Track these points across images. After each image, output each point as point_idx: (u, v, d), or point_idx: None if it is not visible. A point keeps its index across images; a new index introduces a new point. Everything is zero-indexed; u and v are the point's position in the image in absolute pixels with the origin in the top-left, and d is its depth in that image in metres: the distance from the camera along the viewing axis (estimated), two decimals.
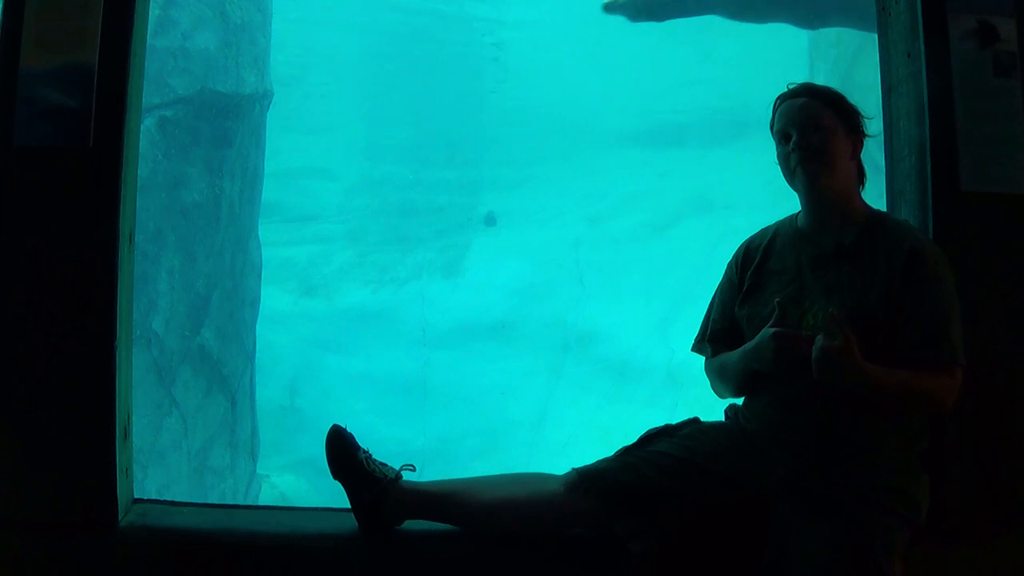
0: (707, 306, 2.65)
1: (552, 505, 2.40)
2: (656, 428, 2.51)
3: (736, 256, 2.60)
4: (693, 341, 2.66)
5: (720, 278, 2.64)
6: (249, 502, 9.14)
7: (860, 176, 2.46)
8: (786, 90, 2.47)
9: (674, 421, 2.52)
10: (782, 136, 2.42)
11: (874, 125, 2.61)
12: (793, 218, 2.53)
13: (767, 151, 2.50)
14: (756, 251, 2.54)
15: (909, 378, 2.22)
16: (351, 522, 2.50)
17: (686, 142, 18.50)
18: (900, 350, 2.25)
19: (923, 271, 2.28)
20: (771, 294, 2.42)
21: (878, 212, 2.46)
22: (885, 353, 2.22)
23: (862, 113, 2.45)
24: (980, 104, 2.57)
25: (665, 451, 2.41)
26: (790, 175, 2.43)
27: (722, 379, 2.53)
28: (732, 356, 2.46)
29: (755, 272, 2.50)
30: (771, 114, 2.48)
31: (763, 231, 2.60)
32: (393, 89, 19.11)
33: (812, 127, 2.37)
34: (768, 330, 2.29)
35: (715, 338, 2.57)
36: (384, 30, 19.12)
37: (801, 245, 2.45)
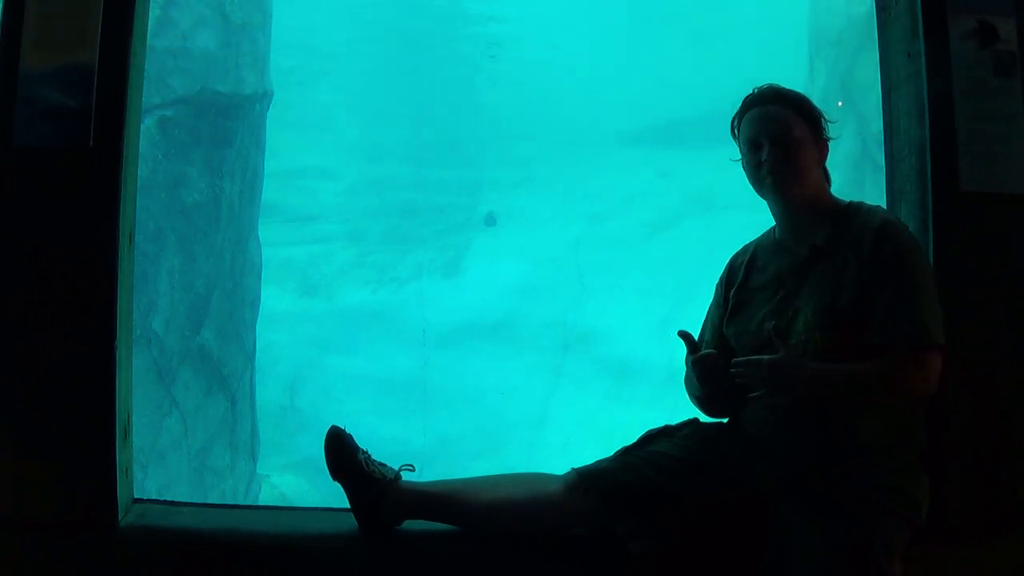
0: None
1: (552, 505, 2.40)
2: (656, 428, 2.51)
3: (722, 277, 2.61)
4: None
5: (718, 281, 2.64)
6: (249, 502, 9.14)
7: (826, 180, 2.46)
8: (752, 93, 2.46)
9: (674, 421, 2.52)
10: (752, 144, 2.41)
11: (874, 125, 2.61)
12: (771, 231, 2.54)
13: None
14: (739, 269, 2.54)
15: (860, 369, 2.19)
16: (351, 522, 2.50)
17: (686, 142, 18.48)
18: (870, 337, 2.22)
19: (886, 251, 2.25)
20: (756, 309, 2.43)
21: (849, 204, 2.42)
22: (869, 348, 2.22)
23: (825, 117, 2.44)
24: (980, 104, 2.57)
25: (665, 451, 2.41)
26: (759, 184, 2.42)
27: (691, 398, 2.55)
28: (689, 376, 2.50)
29: (739, 290, 2.50)
30: (736, 117, 2.47)
31: (745, 248, 2.60)
32: (393, 89, 19.11)
33: (784, 139, 2.36)
34: (690, 357, 2.42)
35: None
36: (384, 30, 19.12)
37: (780, 256, 2.45)
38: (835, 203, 2.43)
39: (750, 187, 2.47)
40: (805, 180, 2.38)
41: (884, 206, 2.76)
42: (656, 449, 2.42)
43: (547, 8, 18.81)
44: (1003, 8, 2.60)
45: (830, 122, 2.46)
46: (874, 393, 2.24)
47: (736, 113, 2.48)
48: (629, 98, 18.83)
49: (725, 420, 2.54)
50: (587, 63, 19.12)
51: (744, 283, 2.50)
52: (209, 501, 7.03)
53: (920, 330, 2.19)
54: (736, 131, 2.48)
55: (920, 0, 2.62)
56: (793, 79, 2.54)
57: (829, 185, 2.47)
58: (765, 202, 2.48)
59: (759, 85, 2.48)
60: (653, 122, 19.04)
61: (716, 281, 2.63)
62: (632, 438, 2.50)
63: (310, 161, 17.91)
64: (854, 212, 2.39)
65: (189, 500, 3.27)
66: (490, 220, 18.44)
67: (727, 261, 2.63)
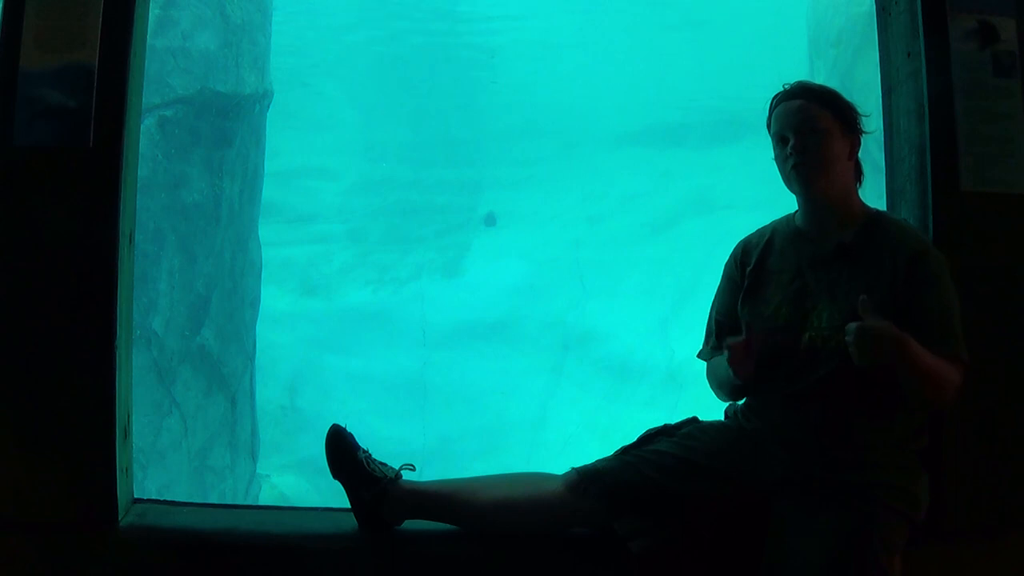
0: (708, 313, 2.62)
1: (552, 505, 2.40)
2: (655, 427, 2.51)
3: (735, 254, 2.58)
4: (701, 348, 2.62)
5: (718, 281, 2.63)
6: (249, 502, 9.14)
7: (858, 175, 2.45)
8: (782, 89, 2.46)
9: (674, 421, 2.52)
10: (779, 139, 2.41)
11: (874, 125, 2.60)
12: (791, 217, 2.52)
13: (767, 151, 2.50)
14: (755, 249, 2.53)
15: (937, 360, 2.20)
16: (351, 522, 2.51)
17: (686, 142, 18.49)
18: None
19: (927, 272, 2.28)
20: (772, 294, 2.42)
21: (876, 211, 2.45)
22: None
23: (858, 110, 2.43)
24: (980, 104, 2.57)
25: (665, 450, 2.41)
26: (786, 177, 2.42)
27: (715, 384, 2.52)
28: (720, 362, 2.42)
29: (755, 270, 2.49)
30: (767, 114, 2.48)
31: (761, 230, 2.58)
32: (393, 89, 19.11)
33: (809, 130, 2.36)
34: (727, 340, 2.32)
35: (720, 338, 2.52)
36: (384, 30, 19.12)
37: (800, 245, 2.44)
38: (863, 206, 2.43)
39: (750, 187, 2.48)
40: (831, 173, 2.36)
41: (884, 207, 2.77)
42: (656, 448, 2.42)
43: (547, 8, 18.81)
44: (1003, 8, 2.60)
45: (864, 115, 2.44)
46: (936, 390, 2.22)
47: (768, 111, 2.48)
48: (629, 98, 18.82)
49: (724, 419, 2.55)
50: (587, 63, 19.11)
51: (760, 264, 2.49)
52: (209, 501, 7.03)
53: (958, 344, 2.25)
54: (769, 130, 2.48)
55: (920, 0, 2.62)
56: (793, 79, 2.52)
57: (861, 179, 2.45)
58: (765, 202, 2.49)
59: (787, 82, 2.47)
60: (653, 122, 19.03)
61: (719, 276, 2.61)
62: (632, 438, 2.50)
63: (310, 161, 17.90)
64: (882, 220, 2.40)
65: (189, 500, 3.27)
66: (490, 220, 18.44)
67: (738, 243, 2.59)
